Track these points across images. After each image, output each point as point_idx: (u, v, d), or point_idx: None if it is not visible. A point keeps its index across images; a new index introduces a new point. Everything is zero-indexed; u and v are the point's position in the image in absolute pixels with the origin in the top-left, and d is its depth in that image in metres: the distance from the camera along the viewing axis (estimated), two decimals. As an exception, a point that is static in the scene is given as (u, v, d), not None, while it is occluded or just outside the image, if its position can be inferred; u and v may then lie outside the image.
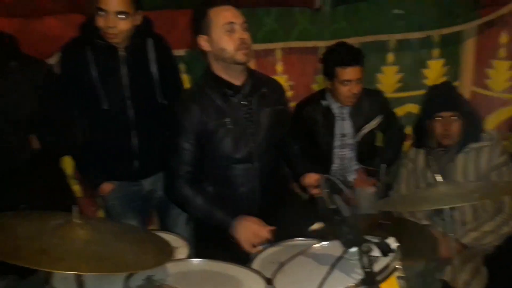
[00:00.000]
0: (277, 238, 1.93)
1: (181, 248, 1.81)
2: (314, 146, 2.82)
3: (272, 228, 1.91)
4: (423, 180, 2.59)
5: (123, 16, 2.08)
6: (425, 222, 2.50)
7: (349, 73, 2.62)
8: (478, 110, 2.72)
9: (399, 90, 3.27)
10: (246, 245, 1.89)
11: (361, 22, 3.08)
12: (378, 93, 2.93)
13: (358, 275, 1.37)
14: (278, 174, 2.19)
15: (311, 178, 2.05)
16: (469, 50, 3.25)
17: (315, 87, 3.13)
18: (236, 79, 2.02)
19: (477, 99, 3.23)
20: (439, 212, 2.44)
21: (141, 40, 2.24)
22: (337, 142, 2.83)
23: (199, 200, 1.99)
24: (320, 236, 1.74)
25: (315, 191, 2.00)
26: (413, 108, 3.22)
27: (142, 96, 2.26)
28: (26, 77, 1.81)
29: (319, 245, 1.67)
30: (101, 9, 2.07)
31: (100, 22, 2.09)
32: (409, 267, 2.19)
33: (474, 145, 2.49)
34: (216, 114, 1.99)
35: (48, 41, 2.51)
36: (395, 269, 1.44)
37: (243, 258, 1.90)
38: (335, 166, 2.88)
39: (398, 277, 1.45)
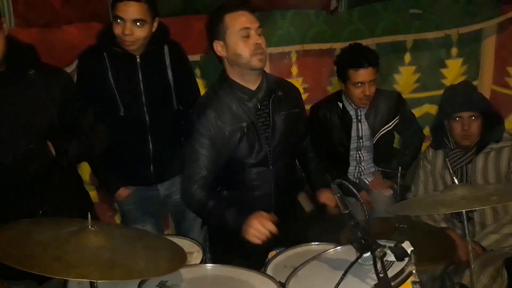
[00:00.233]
0: (291, 242, 1.93)
1: (196, 253, 1.82)
2: (330, 148, 2.81)
3: (275, 218, 1.90)
4: (442, 182, 2.55)
5: (140, 24, 2.11)
6: (443, 225, 2.46)
7: (362, 75, 2.60)
8: (499, 109, 2.66)
9: (417, 90, 3.23)
10: (252, 238, 1.86)
11: (377, 22, 3.05)
12: (395, 94, 2.90)
13: (372, 280, 1.36)
14: (293, 178, 2.18)
15: (325, 198, 2.05)
16: (488, 48, 3.19)
17: (331, 89, 3.11)
18: (252, 84, 2.02)
19: (498, 98, 3.17)
20: (458, 214, 2.40)
21: (158, 47, 2.26)
22: (353, 144, 2.81)
23: (212, 203, 2.00)
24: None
25: (330, 210, 2.00)
26: (431, 109, 3.18)
27: (158, 102, 2.28)
28: (44, 85, 1.84)
29: (333, 250, 1.65)
30: (119, 17, 2.10)
31: (117, 29, 2.12)
32: (428, 271, 2.18)
33: (494, 146, 2.45)
34: (231, 118, 2.00)
35: (67, 49, 2.55)
36: (410, 274, 1.42)
37: (257, 262, 1.90)
38: (352, 168, 2.86)
39: (413, 282, 1.43)
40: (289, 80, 2.70)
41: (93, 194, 2.73)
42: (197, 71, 2.90)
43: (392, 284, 1.33)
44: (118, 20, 2.11)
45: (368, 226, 1.42)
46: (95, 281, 1.24)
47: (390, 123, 2.80)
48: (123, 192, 2.39)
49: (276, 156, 2.05)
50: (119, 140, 2.26)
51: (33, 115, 1.82)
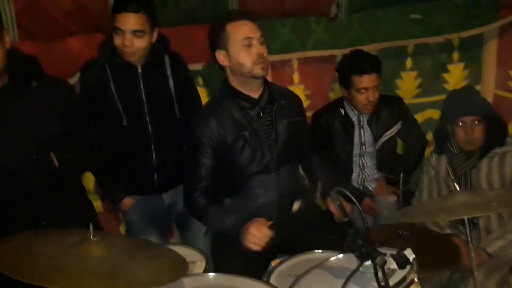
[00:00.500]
0: (294, 250, 1.93)
1: (198, 262, 1.82)
2: (333, 155, 2.80)
3: (271, 223, 1.89)
4: (446, 187, 2.53)
5: (139, 35, 2.13)
6: (448, 231, 2.44)
7: (365, 81, 2.60)
8: (502, 113, 2.65)
9: (419, 95, 3.23)
10: (250, 245, 1.86)
11: (378, 28, 3.06)
12: (397, 100, 2.90)
13: (374, 288, 1.35)
14: (296, 184, 2.18)
15: (330, 205, 2.03)
16: (490, 52, 3.19)
17: (332, 96, 3.12)
18: (254, 92, 2.03)
19: (500, 102, 3.16)
20: (462, 220, 2.39)
21: (158, 57, 2.27)
22: (356, 151, 2.80)
23: (212, 210, 2.00)
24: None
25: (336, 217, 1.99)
26: (433, 114, 3.17)
27: (160, 112, 2.30)
28: (47, 97, 1.86)
29: (335, 258, 1.65)
30: (118, 28, 2.12)
31: (117, 41, 2.14)
32: (433, 278, 2.16)
33: (498, 150, 2.43)
34: (234, 127, 2.01)
35: (71, 61, 2.57)
36: (412, 282, 1.41)
37: (261, 271, 1.91)
38: (355, 175, 2.85)
39: (416, 290, 1.42)
40: (290, 87, 2.73)
41: (97, 203, 2.74)
42: (199, 80, 2.92)
43: (394, 292, 1.32)
44: (118, 31, 2.12)
45: (368, 234, 1.42)
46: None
47: (393, 129, 2.79)
48: (127, 201, 2.40)
49: (279, 163, 2.06)
50: (123, 150, 2.27)
51: (35, 127, 1.83)
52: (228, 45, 1.96)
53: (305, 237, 2.08)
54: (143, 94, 2.25)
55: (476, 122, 2.42)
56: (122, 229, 2.85)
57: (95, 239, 1.33)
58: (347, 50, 2.84)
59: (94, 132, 2.02)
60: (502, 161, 2.42)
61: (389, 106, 2.79)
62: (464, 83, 3.14)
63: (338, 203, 1.42)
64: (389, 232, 2.20)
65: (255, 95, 2.03)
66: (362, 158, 2.83)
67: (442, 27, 3.08)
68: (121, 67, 2.21)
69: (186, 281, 1.55)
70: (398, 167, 2.81)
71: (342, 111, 2.78)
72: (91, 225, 1.35)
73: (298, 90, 3.00)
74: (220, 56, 1.99)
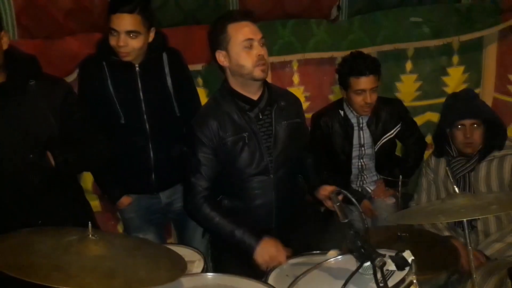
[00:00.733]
0: (293, 251, 1.92)
1: (197, 262, 1.82)
2: (332, 156, 2.81)
3: (289, 253, 1.90)
4: (445, 190, 2.54)
5: (133, 36, 2.12)
6: (446, 233, 2.45)
7: (363, 82, 2.60)
8: (501, 117, 2.65)
9: (419, 98, 3.23)
10: (262, 267, 1.88)
11: (378, 31, 3.06)
12: (397, 102, 2.90)
13: (372, 290, 1.35)
14: (295, 186, 2.18)
15: (325, 190, 2.02)
16: (490, 56, 3.20)
17: (332, 98, 3.12)
18: (253, 94, 2.03)
19: (500, 105, 3.17)
20: (460, 223, 2.39)
21: (156, 56, 2.27)
22: (355, 152, 2.80)
23: (220, 219, 1.99)
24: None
25: (329, 204, 1.98)
26: (433, 117, 3.18)
27: (158, 110, 2.30)
28: (45, 96, 1.85)
29: (334, 259, 1.65)
30: (113, 29, 2.12)
31: (113, 41, 2.14)
32: (431, 280, 2.16)
33: (497, 154, 2.44)
34: (233, 128, 2.00)
35: (70, 60, 2.57)
36: (411, 284, 1.41)
37: (259, 271, 1.90)
38: (354, 176, 2.85)
39: (414, 292, 1.42)
40: (290, 89, 2.72)
41: (95, 203, 2.73)
42: (199, 81, 2.91)
43: (393, 293, 1.32)
44: (113, 32, 2.12)
45: (367, 235, 1.42)
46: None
47: (392, 131, 2.79)
48: (125, 200, 2.40)
49: (278, 165, 2.05)
50: (121, 148, 2.26)
51: (33, 126, 1.83)
52: (228, 46, 1.95)
53: (303, 238, 2.08)
54: (141, 92, 2.25)
55: (475, 125, 2.42)
56: (120, 228, 2.85)
57: (93, 237, 1.33)
58: (347, 52, 2.83)
59: (92, 132, 2.01)
60: (501, 164, 2.43)
61: (389, 109, 2.79)
62: (463, 86, 3.15)
63: (337, 204, 1.42)
64: (388, 234, 2.21)
65: (255, 96, 2.03)
66: (361, 160, 2.83)
67: (442, 30, 3.07)
68: (119, 65, 2.20)
69: (184, 280, 1.55)
70: (397, 169, 2.81)
71: (342, 113, 2.78)
72: (89, 224, 1.35)
73: (298, 91, 3.00)
74: (220, 57, 1.98)
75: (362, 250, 1.35)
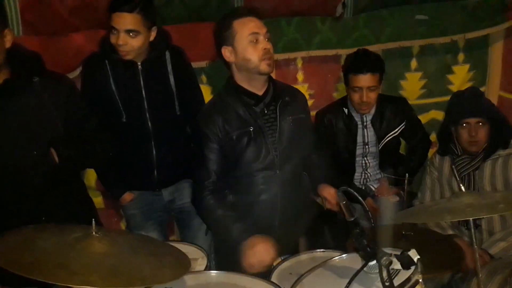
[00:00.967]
0: (297, 249, 1.92)
1: (200, 260, 1.82)
2: (336, 154, 2.79)
3: (278, 260, 1.86)
4: (449, 188, 2.53)
5: (133, 34, 2.12)
6: (450, 232, 2.44)
7: (359, 80, 2.59)
8: (506, 115, 2.63)
9: (423, 96, 3.22)
10: (248, 269, 1.80)
11: (383, 29, 3.04)
12: (401, 100, 2.89)
13: (377, 289, 1.35)
14: (300, 183, 2.17)
15: (327, 193, 2.03)
16: (496, 54, 3.18)
17: (336, 96, 3.11)
18: (258, 89, 2.03)
19: (505, 104, 3.15)
20: (465, 221, 2.38)
21: (159, 54, 2.26)
22: (359, 150, 2.79)
23: (220, 212, 1.99)
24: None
25: (329, 206, 1.99)
26: (437, 115, 3.17)
27: (160, 108, 2.29)
28: (49, 93, 1.85)
29: (338, 258, 1.64)
30: (113, 27, 2.11)
31: (113, 39, 2.14)
32: (435, 279, 2.15)
33: (502, 152, 2.43)
34: (239, 123, 2.01)
35: (74, 57, 2.57)
36: (417, 283, 1.40)
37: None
38: (358, 175, 2.84)
39: (420, 291, 1.41)
40: (294, 86, 2.70)
41: (98, 200, 2.74)
42: (203, 78, 2.91)
43: (398, 292, 1.31)
44: (113, 31, 2.12)
45: (374, 234, 1.41)
46: (98, 288, 1.24)
47: (396, 129, 2.78)
48: (127, 196, 2.40)
49: (283, 160, 2.05)
50: (123, 146, 2.26)
51: (36, 123, 1.82)
52: (234, 41, 1.96)
53: (309, 236, 2.08)
54: (143, 91, 2.24)
55: (481, 124, 2.41)
56: (123, 225, 2.85)
57: (97, 235, 1.32)
58: (352, 50, 2.83)
59: (96, 129, 2.01)
60: (506, 163, 2.41)
61: (393, 107, 2.77)
62: (468, 84, 3.13)
63: (344, 202, 1.41)
64: (391, 232, 2.19)
65: (260, 92, 2.03)
66: (365, 158, 2.82)
67: (448, 28, 3.06)
68: (121, 63, 2.20)
69: (188, 278, 1.54)
70: (401, 167, 2.80)
71: (346, 110, 2.77)
72: (93, 221, 1.34)
73: (302, 89, 2.99)
74: (226, 53, 1.99)
75: (368, 249, 1.34)
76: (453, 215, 1.59)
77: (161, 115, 2.29)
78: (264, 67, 1.95)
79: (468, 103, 2.48)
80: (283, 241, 1.98)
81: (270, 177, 2.04)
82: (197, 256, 1.84)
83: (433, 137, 2.99)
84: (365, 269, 1.38)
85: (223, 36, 1.98)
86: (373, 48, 2.92)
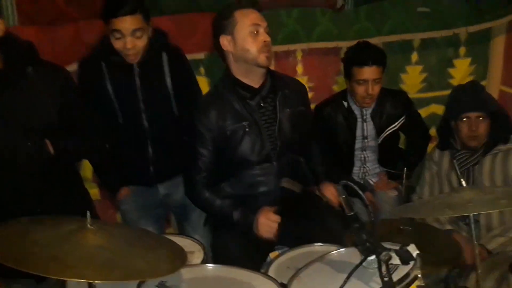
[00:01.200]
0: (296, 242, 1.91)
1: (196, 253, 1.80)
2: (334, 148, 2.77)
3: (274, 208, 1.99)
4: (448, 183, 2.51)
5: (139, 34, 2.08)
6: (448, 227, 2.43)
7: (365, 72, 2.56)
8: (507, 110, 2.61)
9: (423, 90, 3.19)
10: (264, 233, 1.95)
11: (384, 21, 3.02)
12: (401, 94, 2.86)
13: (376, 284, 1.33)
14: (298, 175, 2.16)
15: (327, 190, 2.04)
16: (498, 47, 3.16)
17: (336, 89, 3.08)
18: (255, 82, 2.02)
19: (506, 98, 3.12)
20: (463, 217, 2.37)
21: (155, 54, 2.22)
22: (358, 144, 2.77)
23: (218, 203, 2.03)
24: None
25: (331, 203, 1.98)
26: (437, 109, 3.13)
27: (157, 109, 2.26)
28: (43, 83, 1.82)
29: (336, 252, 1.63)
30: (117, 31, 2.06)
31: (118, 44, 2.08)
32: (432, 274, 2.14)
33: (502, 147, 2.42)
34: (233, 117, 2.00)
35: (71, 47, 2.54)
36: (416, 278, 1.39)
37: (259, 262, 1.90)
38: (356, 169, 2.82)
39: (418, 287, 1.40)
40: (294, 78, 2.69)
41: (95, 191, 2.71)
42: (201, 70, 2.88)
43: (397, 288, 1.30)
44: (117, 35, 2.07)
45: (373, 228, 1.39)
46: (93, 281, 1.22)
47: (396, 123, 2.76)
48: (123, 191, 2.38)
49: (280, 153, 2.05)
50: (119, 143, 2.25)
51: (31, 113, 1.80)
52: (234, 30, 1.94)
53: (305, 229, 2.06)
54: (140, 92, 2.21)
55: (481, 118, 2.40)
56: (119, 217, 2.83)
57: (92, 227, 1.31)
58: (352, 42, 2.80)
59: (92, 120, 1.98)
60: (505, 158, 2.40)
61: (393, 100, 2.75)
62: (469, 78, 3.10)
63: (343, 196, 1.39)
64: (389, 227, 2.19)
65: (257, 84, 2.02)
66: (364, 152, 2.79)
67: (450, 21, 3.03)
68: (118, 65, 2.17)
69: (184, 271, 1.53)
70: (400, 162, 2.78)
71: (345, 104, 2.75)
72: (88, 213, 1.32)
73: (302, 81, 2.92)
74: (225, 41, 1.97)
75: (367, 244, 1.33)
76: (454, 210, 1.57)
77: (158, 116, 2.27)
78: (262, 59, 1.94)
79: (468, 97, 2.46)
80: (284, 233, 1.97)
81: (267, 169, 2.04)
82: (193, 249, 1.82)
83: (432, 131, 2.96)
84: (364, 264, 1.36)
85: (222, 25, 1.97)
86: (374, 40, 2.89)
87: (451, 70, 3.17)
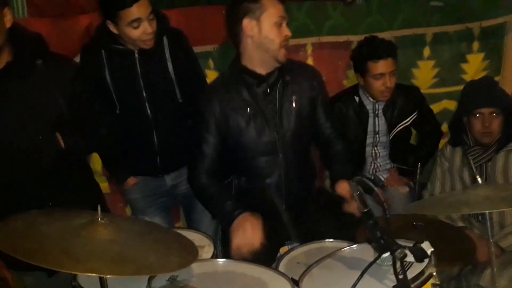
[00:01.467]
0: (305, 237, 1.88)
1: (207, 247, 1.79)
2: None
3: (286, 249, 1.86)
4: (460, 180, 2.48)
5: (152, 16, 2.06)
6: (461, 224, 2.39)
7: (382, 66, 2.53)
8: (521, 106, 2.57)
9: (436, 85, 3.16)
10: (235, 251, 1.80)
11: (397, 15, 2.99)
12: (413, 89, 2.83)
13: (390, 282, 1.31)
14: (306, 167, 2.12)
15: (342, 189, 1.96)
16: (512, 42, 3.10)
17: (346, 83, 3.05)
18: (264, 70, 1.97)
19: (520, 95, 3.08)
20: (476, 214, 2.33)
21: (156, 39, 2.17)
22: (369, 140, 2.75)
23: (212, 190, 1.99)
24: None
25: (346, 203, 1.94)
26: (450, 105, 3.11)
27: (160, 97, 2.23)
28: (53, 76, 1.80)
29: (349, 249, 1.61)
30: (135, 20, 2.02)
31: (136, 33, 2.04)
32: (444, 271, 2.11)
33: (515, 144, 2.37)
34: (239, 105, 1.97)
35: (80, 39, 2.52)
36: (431, 276, 1.36)
37: (269, 257, 1.87)
38: (367, 164, 2.80)
39: (433, 285, 1.38)
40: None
41: (104, 185, 2.71)
42: (210, 63, 2.85)
43: (412, 286, 1.28)
44: (134, 24, 2.03)
45: (387, 225, 1.37)
46: (104, 276, 1.21)
47: (408, 119, 2.73)
48: (130, 181, 2.38)
49: (286, 143, 2.00)
50: (124, 134, 2.23)
51: (41, 106, 1.78)
52: (262, 16, 1.88)
53: (315, 224, 2.04)
54: (141, 79, 2.18)
55: (494, 114, 2.36)
56: (128, 210, 2.83)
57: (103, 221, 1.29)
58: (363, 37, 2.76)
59: (100, 112, 1.97)
60: (519, 155, 2.36)
61: (405, 96, 2.72)
62: (483, 74, 3.07)
63: (357, 193, 1.37)
64: (401, 223, 2.16)
65: (264, 72, 1.97)
66: (375, 148, 2.77)
67: (463, 15, 3.00)
68: (118, 53, 2.14)
69: (194, 266, 1.51)
70: (411, 157, 2.76)
71: (357, 99, 2.72)
72: (99, 207, 1.31)
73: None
74: (248, 24, 1.89)
75: (382, 241, 1.30)
76: (471, 208, 1.54)
77: (161, 104, 2.24)
78: (282, 55, 1.91)
79: (481, 93, 2.42)
80: (292, 227, 1.95)
81: (273, 160, 2.00)
82: (203, 244, 1.81)
83: (444, 127, 2.93)
84: (377, 261, 1.34)
85: (249, 8, 1.89)
86: (385, 35, 2.86)
87: (464, 65, 3.14)
